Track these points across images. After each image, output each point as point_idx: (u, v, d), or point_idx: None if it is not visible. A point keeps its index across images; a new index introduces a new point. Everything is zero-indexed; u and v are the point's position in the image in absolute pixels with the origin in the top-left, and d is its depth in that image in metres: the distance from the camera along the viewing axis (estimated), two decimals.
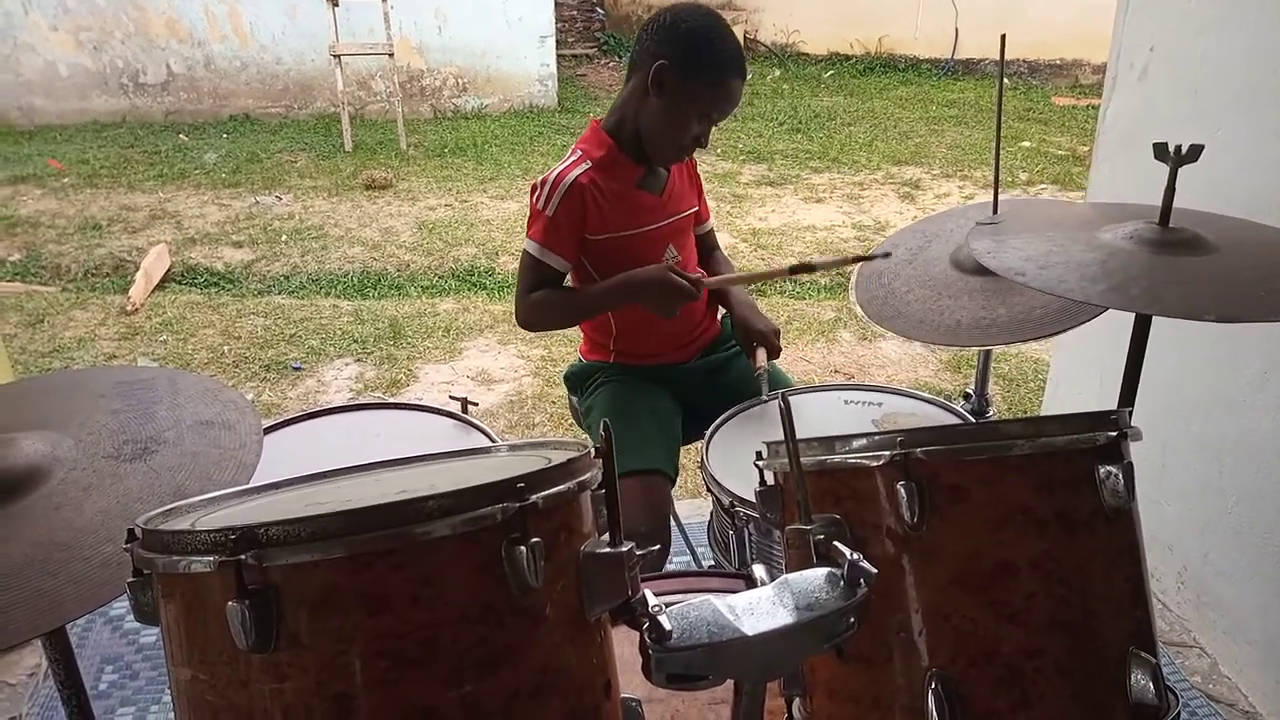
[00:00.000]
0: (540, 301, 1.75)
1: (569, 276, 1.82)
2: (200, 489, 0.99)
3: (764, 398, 1.76)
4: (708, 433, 1.65)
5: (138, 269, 4.29)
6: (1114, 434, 0.88)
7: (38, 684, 1.99)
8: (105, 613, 2.18)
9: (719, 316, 2.03)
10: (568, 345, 3.63)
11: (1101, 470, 0.87)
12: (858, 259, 1.68)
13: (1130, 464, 0.89)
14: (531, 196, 1.74)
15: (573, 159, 1.74)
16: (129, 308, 4.01)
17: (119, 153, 6.11)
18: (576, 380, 1.98)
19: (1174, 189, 1.26)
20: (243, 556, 0.66)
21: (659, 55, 1.63)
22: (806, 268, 1.67)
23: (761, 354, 1.84)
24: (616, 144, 1.74)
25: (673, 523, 1.87)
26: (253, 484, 0.92)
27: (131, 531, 0.75)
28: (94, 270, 4.41)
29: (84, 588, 0.90)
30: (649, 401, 1.85)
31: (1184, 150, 1.24)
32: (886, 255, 1.69)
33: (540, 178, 1.74)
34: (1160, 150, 1.26)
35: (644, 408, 1.83)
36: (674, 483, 1.76)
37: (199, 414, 1.12)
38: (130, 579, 0.74)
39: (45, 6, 6.52)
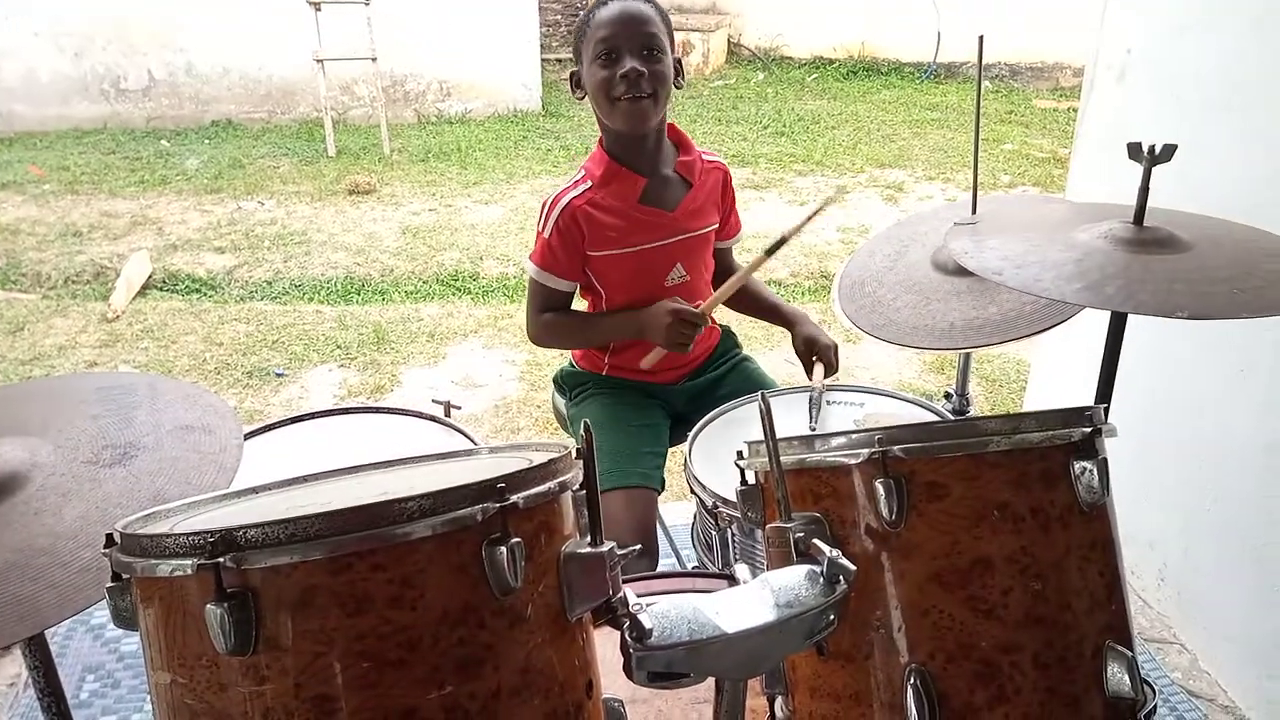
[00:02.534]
0: (551, 324, 1.81)
1: (579, 291, 1.84)
2: (180, 494, 0.99)
3: (811, 421, 1.71)
4: (690, 434, 1.66)
5: (119, 276, 4.26)
6: (1089, 430, 0.89)
7: (18, 693, 1.98)
8: (86, 620, 2.17)
9: (720, 327, 2.02)
10: (554, 350, 3.63)
11: (1076, 466, 0.89)
12: (818, 211, 1.65)
13: (1105, 459, 0.90)
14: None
15: (575, 179, 1.76)
16: (110, 315, 3.98)
17: (100, 159, 6.07)
18: (566, 384, 1.97)
19: (1148, 188, 1.28)
20: (221, 559, 0.66)
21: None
22: (779, 243, 1.67)
23: (819, 371, 1.80)
24: (612, 158, 1.74)
25: (658, 527, 1.87)
26: (234, 489, 0.91)
27: (110, 536, 0.74)
28: (74, 277, 4.38)
29: (63, 593, 0.90)
30: (636, 415, 1.84)
31: (1157, 150, 1.26)
32: (834, 197, 1.68)
33: (545, 198, 1.76)
34: (1134, 150, 1.27)
35: (631, 421, 1.81)
36: (660, 494, 1.75)
37: (179, 419, 1.12)
38: (109, 584, 0.74)
39: (26, 12, 6.47)
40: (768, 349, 3.65)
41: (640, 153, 1.74)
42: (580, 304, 1.90)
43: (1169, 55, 2.10)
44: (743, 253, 2.04)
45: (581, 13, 1.73)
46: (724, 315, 2.01)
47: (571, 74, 1.75)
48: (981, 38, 1.61)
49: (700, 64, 8.53)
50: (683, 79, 1.73)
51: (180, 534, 0.68)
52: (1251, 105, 1.86)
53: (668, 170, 1.78)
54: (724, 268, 1.97)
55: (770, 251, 1.66)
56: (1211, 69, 1.96)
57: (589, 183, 1.73)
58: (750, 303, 1.99)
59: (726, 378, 1.93)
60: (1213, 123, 1.95)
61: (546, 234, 1.73)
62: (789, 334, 1.90)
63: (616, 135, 1.73)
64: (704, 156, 1.83)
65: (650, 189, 1.75)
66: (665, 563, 2.20)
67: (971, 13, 7.83)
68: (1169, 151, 1.25)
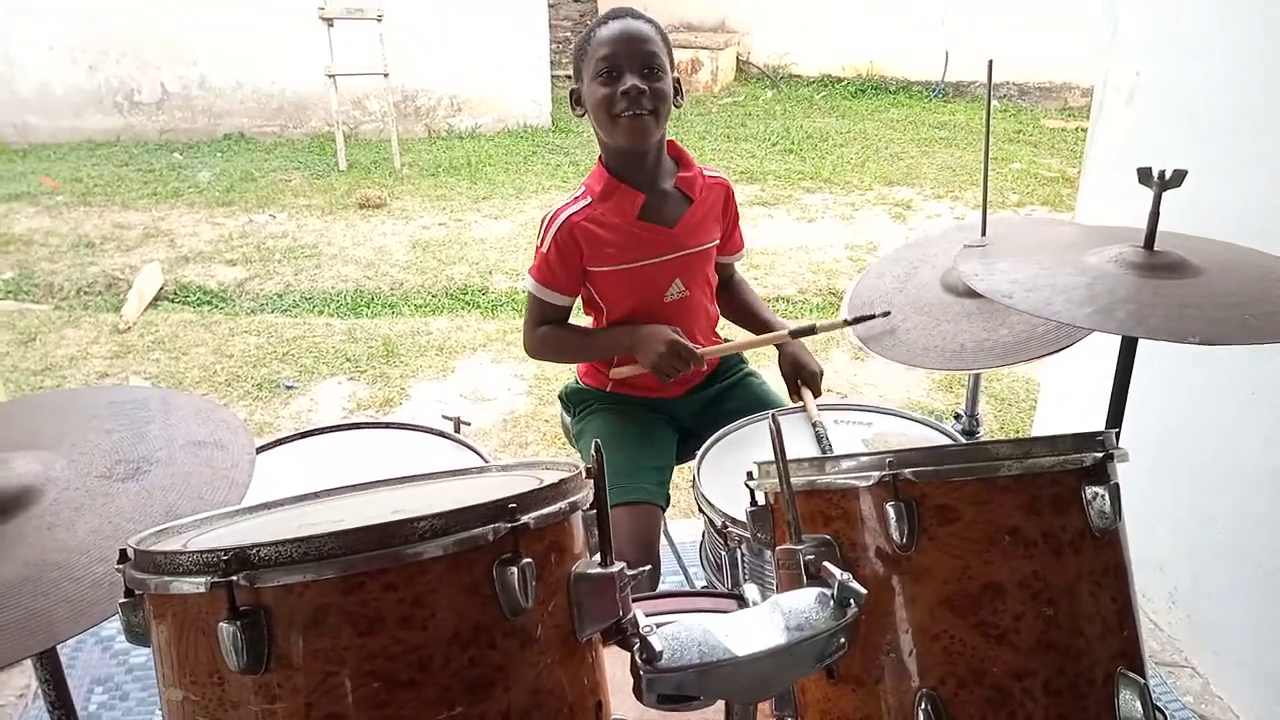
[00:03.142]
0: (546, 337, 1.82)
1: (582, 305, 1.85)
2: (192, 509, 1.00)
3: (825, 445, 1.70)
4: (699, 453, 1.65)
5: (130, 287, 4.29)
6: (1100, 455, 0.89)
7: (27, 705, 1.98)
8: (96, 633, 2.17)
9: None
10: (562, 365, 3.63)
11: (1088, 491, 0.88)
12: (857, 319, 1.70)
13: (1117, 485, 0.89)
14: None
15: (575, 195, 1.77)
16: (121, 326, 4.00)
17: (113, 171, 6.12)
18: (571, 400, 1.98)
19: (1158, 213, 1.28)
20: (234, 577, 0.66)
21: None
22: (808, 330, 1.77)
23: (809, 397, 1.80)
24: (611, 174, 1.75)
25: (665, 544, 1.86)
26: (245, 504, 0.92)
27: (123, 552, 0.75)
28: (87, 288, 4.41)
29: (76, 608, 0.90)
30: (641, 431, 1.84)
31: (1167, 175, 1.26)
32: (886, 314, 1.69)
33: (545, 213, 1.78)
34: (1144, 175, 1.27)
35: (636, 437, 1.82)
36: (664, 510, 1.75)
37: (191, 434, 1.13)
38: (122, 599, 0.75)
39: (41, 25, 6.55)
40: (772, 363, 3.65)
41: (640, 169, 1.75)
42: (584, 320, 1.91)
43: (1178, 78, 2.10)
44: (748, 268, 2.05)
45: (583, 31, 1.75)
46: (721, 327, 2.02)
47: (571, 92, 1.77)
48: (991, 62, 1.62)
49: (709, 81, 8.56)
50: (682, 98, 1.75)
51: (194, 551, 0.69)
52: (1261, 128, 1.86)
53: (667, 186, 1.79)
54: (726, 281, 1.99)
55: (796, 334, 1.77)
56: (1221, 92, 1.96)
57: (589, 199, 1.75)
58: (743, 314, 2.01)
59: (732, 393, 1.94)
60: (1223, 146, 1.95)
61: (545, 249, 1.75)
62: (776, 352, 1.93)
63: (616, 151, 1.74)
64: (705, 173, 1.84)
65: (649, 205, 1.76)
66: (674, 581, 2.20)
67: (979, 32, 7.87)
68: (1179, 177, 1.25)
